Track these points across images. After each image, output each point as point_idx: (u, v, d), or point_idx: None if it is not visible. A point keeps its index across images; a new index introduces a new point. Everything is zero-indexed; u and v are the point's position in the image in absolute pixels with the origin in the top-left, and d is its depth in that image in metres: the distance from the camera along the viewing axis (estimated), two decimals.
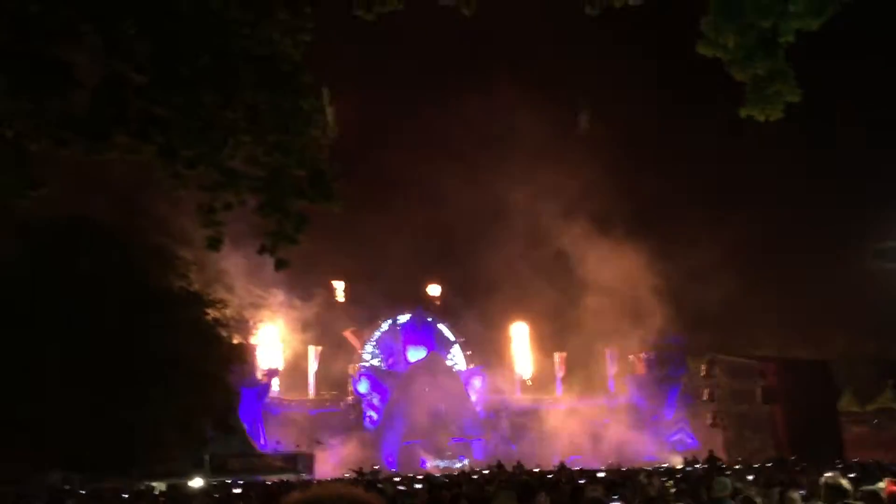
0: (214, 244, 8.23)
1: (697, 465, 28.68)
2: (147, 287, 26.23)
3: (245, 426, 43.17)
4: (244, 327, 45.52)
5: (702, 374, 54.97)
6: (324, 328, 57.46)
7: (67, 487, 22.28)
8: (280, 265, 8.28)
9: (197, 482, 25.76)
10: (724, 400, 53.08)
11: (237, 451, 32.86)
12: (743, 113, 5.52)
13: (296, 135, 7.25)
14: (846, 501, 5.32)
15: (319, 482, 14.03)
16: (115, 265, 25.48)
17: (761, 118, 5.47)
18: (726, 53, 5.43)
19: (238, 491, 16.25)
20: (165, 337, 26.30)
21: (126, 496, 13.63)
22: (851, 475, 10.55)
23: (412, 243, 60.92)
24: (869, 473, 12.85)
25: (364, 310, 59.98)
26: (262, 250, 8.36)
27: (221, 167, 7.27)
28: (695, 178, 59.77)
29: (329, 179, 8.22)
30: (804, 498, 8.54)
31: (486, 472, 28.94)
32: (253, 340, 48.15)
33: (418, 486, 14.71)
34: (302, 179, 8.10)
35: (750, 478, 10.78)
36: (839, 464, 20.60)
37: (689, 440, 52.92)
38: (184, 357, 27.06)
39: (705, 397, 54.31)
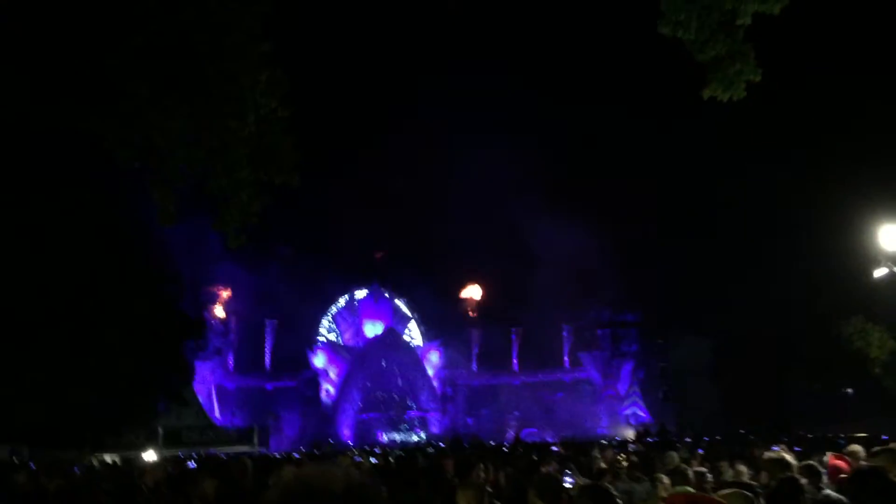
0: (167, 218, 8.07)
1: (649, 439, 29.26)
2: (98, 261, 25.67)
3: (200, 400, 42.78)
4: (198, 302, 45.03)
5: (655, 350, 56.18)
6: (280, 302, 57.07)
7: (16, 461, 21.84)
8: (234, 241, 8.14)
9: (150, 454, 25.49)
10: (676, 375, 54.30)
11: (191, 423, 32.54)
12: (706, 94, 5.55)
13: (252, 106, 7.11)
14: (790, 475, 5.45)
15: (287, 456, 13.95)
16: (65, 241, 24.84)
17: (724, 98, 5.51)
18: (686, 34, 5.45)
19: (193, 465, 16.08)
20: (117, 312, 25.85)
21: (77, 469, 13.43)
22: (797, 449, 10.87)
23: (367, 216, 60.93)
24: (815, 447, 13.24)
25: (320, 284, 59.70)
26: (217, 225, 8.21)
27: (173, 136, 7.11)
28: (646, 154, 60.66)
29: (286, 152, 8.10)
30: (751, 471, 8.77)
31: (443, 445, 29.16)
32: (207, 315, 47.59)
33: (373, 459, 14.76)
34: (260, 152, 7.96)
35: (700, 452, 11.01)
36: (785, 438, 21.20)
37: (642, 414, 53.94)
38: (136, 331, 26.65)
39: (658, 373, 55.54)
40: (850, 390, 47.04)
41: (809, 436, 23.39)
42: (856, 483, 3.27)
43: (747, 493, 3.96)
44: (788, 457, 6.09)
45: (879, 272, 13.35)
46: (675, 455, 8.89)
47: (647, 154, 62.52)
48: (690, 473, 6.78)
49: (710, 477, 6.83)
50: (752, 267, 52.65)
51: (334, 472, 1.37)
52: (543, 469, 7.73)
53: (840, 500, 6.27)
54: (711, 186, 56.96)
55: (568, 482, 4.97)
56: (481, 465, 6.62)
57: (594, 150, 63.38)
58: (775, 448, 9.11)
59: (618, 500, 3.97)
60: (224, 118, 6.98)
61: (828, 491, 6.79)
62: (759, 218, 53.47)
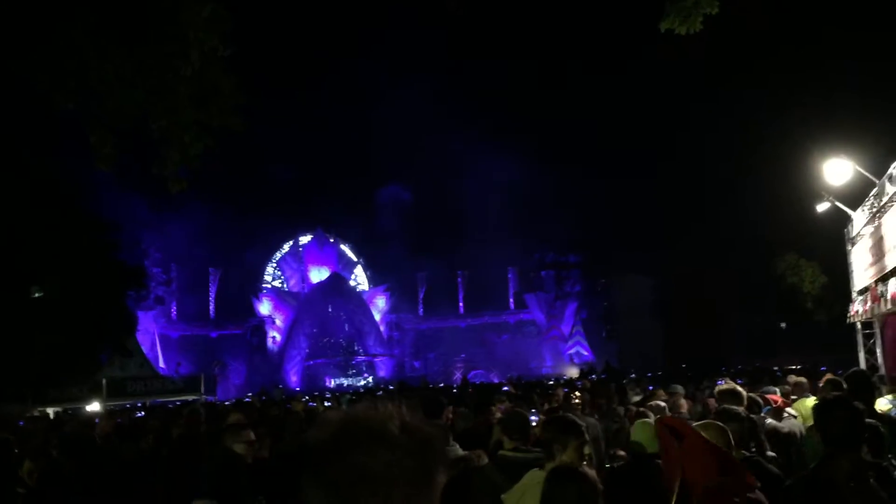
0: (105, 161, 7.74)
1: (594, 376, 29.99)
2: (31, 210, 24.79)
3: (143, 350, 42.13)
4: (138, 251, 44.02)
5: (598, 290, 57.33)
6: (223, 250, 56.27)
7: None
8: (175, 185, 7.87)
9: (94, 406, 25.08)
10: (618, 314, 55.59)
11: (135, 374, 32.03)
12: (663, 26, 5.47)
13: (195, 44, 6.79)
14: (735, 407, 5.55)
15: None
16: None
17: (681, 31, 5.43)
18: None
19: (141, 414, 15.90)
20: (53, 262, 25.13)
21: (22, 423, 13.12)
22: (739, 381, 11.23)
23: (312, 163, 60.16)
24: (755, 380, 13.70)
25: (264, 230, 59.01)
26: (157, 168, 7.92)
27: (110, 78, 6.77)
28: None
29: (228, 93, 7.80)
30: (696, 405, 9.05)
31: (392, 388, 29.40)
32: (148, 263, 46.60)
33: (327, 403, 14.79)
34: (201, 93, 7.65)
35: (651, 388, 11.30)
36: (725, 371, 21.90)
37: (586, 353, 55.18)
38: (75, 281, 25.99)
39: (601, 312, 56.78)
40: (783, 325, 48.89)
41: (749, 369, 24.18)
42: (822, 411, 3.34)
43: (719, 423, 4.03)
44: (738, 388, 6.25)
45: (822, 207, 13.56)
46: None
47: (589, 92, 62.76)
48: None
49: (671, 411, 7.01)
50: (694, 205, 53.82)
51: (387, 410, 1.26)
52: (495, 408, 7.79)
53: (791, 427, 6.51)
54: (654, 124, 57.65)
55: (533, 419, 5.01)
56: (450, 407, 6.64)
57: (537, 89, 63.25)
58: (720, 382, 9.39)
59: (583, 428, 4.01)
60: (165, 57, 6.66)
61: (770, 420, 7.07)
62: (702, 157, 54.36)
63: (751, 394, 7.54)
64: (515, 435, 4.24)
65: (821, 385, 7.26)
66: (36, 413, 23.62)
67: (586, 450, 4.12)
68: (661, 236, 53.37)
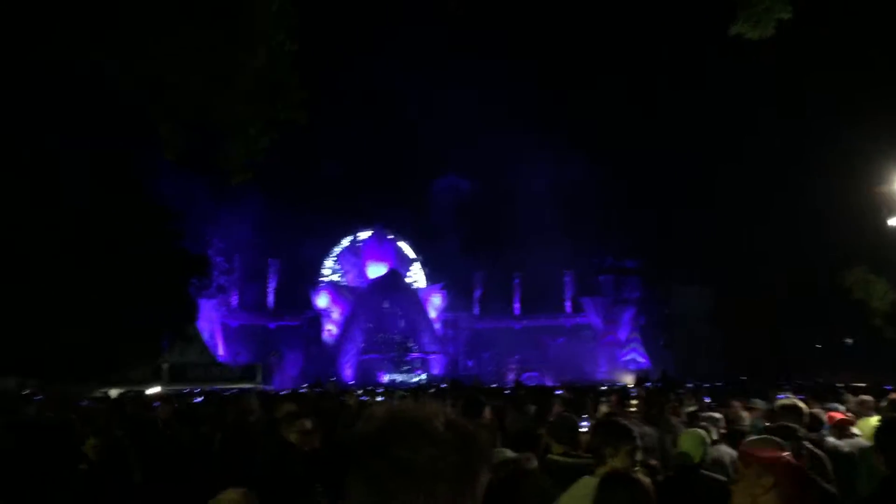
0: (172, 150, 7.93)
1: (648, 384, 29.48)
2: (101, 198, 25.59)
3: (204, 337, 43.13)
4: (201, 240, 45.04)
5: (656, 297, 56.43)
6: (284, 242, 57.14)
7: (26, 392, 22.10)
8: (238, 177, 8.01)
9: (155, 390, 25.80)
10: (677, 322, 54.61)
11: (196, 360, 32.86)
12: (733, 30, 5.33)
13: (262, 38, 6.91)
14: (794, 426, 5.39)
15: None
16: (66, 177, 24.71)
17: (753, 36, 5.29)
18: None
19: (198, 400, 16.27)
20: (121, 249, 25.89)
21: (84, 403, 13.54)
22: (801, 397, 10.88)
23: (371, 158, 60.66)
24: (817, 396, 13.25)
25: (324, 225, 59.69)
26: (222, 160, 8.07)
27: (181, 68, 6.93)
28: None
29: (293, 87, 7.91)
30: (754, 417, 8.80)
31: (444, 386, 29.41)
32: (211, 252, 47.65)
33: (379, 398, 14.89)
34: (268, 87, 7.77)
35: (707, 400, 11.06)
36: (787, 386, 21.29)
37: (642, 360, 54.41)
38: (141, 268, 26.72)
39: (659, 319, 55.87)
40: (849, 340, 47.35)
41: (811, 384, 23.43)
42: (885, 432, 3.21)
43: (776, 439, 3.91)
44: (800, 403, 6.06)
45: (894, 221, 13.08)
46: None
47: (659, 99, 61.73)
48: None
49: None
50: (756, 214, 52.43)
51: (432, 407, 1.27)
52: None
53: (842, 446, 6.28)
54: (715, 132, 56.33)
55: (583, 426, 4.95)
56: (488, 407, 6.63)
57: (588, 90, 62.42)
58: (781, 397, 9.10)
59: (634, 433, 3.95)
60: (234, 49, 6.80)
61: (830, 438, 6.83)
62: (765, 164, 52.95)
63: (813, 410, 7.33)
64: (563, 439, 4.20)
65: (884, 405, 7.00)
66: (99, 394, 24.45)
67: (638, 456, 4.06)
68: (722, 244, 52.10)
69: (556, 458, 4.07)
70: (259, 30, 6.77)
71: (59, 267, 24.22)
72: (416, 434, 1.20)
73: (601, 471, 3.73)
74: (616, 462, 3.81)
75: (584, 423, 5.28)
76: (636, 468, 3.96)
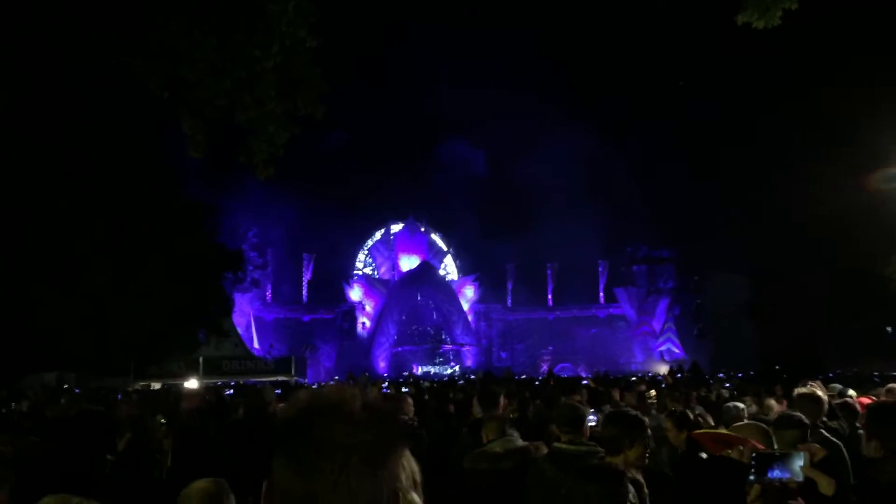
0: (197, 148, 8.09)
1: (680, 375, 29.30)
2: (138, 195, 26.04)
3: (239, 330, 43.70)
4: (235, 234, 45.63)
5: (691, 287, 55.84)
6: (316, 236, 57.62)
7: (66, 386, 22.66)
8: (262, 172, 8.14)
9: (192, 383, 26.24)
10: (711, 312, 53.96)
11: (231, 354, 33.31)
12: (740, 20, 5.30)
13: (277, 37, 7.01)
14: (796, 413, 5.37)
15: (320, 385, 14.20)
16: (105, 175, 25.17)
17: (759, 25, 5.25)
18: None
19: (230, 392, 16.58)
20: (158, 245, 26.33)
21: (120, 396, 13.89)
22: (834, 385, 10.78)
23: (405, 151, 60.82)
24: (855, 384, 13.10)
25: (357, 218, 60.08)
26: (244, 157, 8.21)
27: (201, 68, 7.07)
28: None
29: (313, 83, 8.01)
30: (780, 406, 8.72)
31: (473, 377, 29.51)
32: (245, 247, 48.23)
33: (405, 389, 15.03)
34: (287, 83, 7.88)
35: (727, 385, 11.00)
36: (819, 375, 21.01)
37: (677, 350, 53.97)
38: (177, 263, 27.12)
39: (693, 309, 55.28)
40: (889, 328, 46.43)
41: (846, 374, 23.12)
42: (876, 418, 3.21)
43: (762, 424, 3.93)
44: (820, 392, 6.01)
45: None
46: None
47: (689, 89, 60.92)
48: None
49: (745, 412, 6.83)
50: (792, 202, 51.48)
51: (351, 390, 1.37)
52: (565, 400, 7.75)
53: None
54: (750, 120, 55.42)
55: (591, 419, 4.98)
56: (503, 398, 6.70)
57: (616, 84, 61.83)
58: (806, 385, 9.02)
59: (646, 425, 3.97)
60: (251, 49, 6.92)
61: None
62: (801, 152, 51.93)
63: (846, 399, 7.31)
64: (566, 428, 4.24)
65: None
66: (138, 387, 24.99)
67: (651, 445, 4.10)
68: (758, 232, 51.27)
69: (561, 446, 4.12)
70: (276, 28, 6.87)
71: (100, 265, 24.73)
72: (334, 415, 1.29)
73: (613, 461, 3.76)
74: (631, 453, 3.84)
75: (592, 417, 5.31)
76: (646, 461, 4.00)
